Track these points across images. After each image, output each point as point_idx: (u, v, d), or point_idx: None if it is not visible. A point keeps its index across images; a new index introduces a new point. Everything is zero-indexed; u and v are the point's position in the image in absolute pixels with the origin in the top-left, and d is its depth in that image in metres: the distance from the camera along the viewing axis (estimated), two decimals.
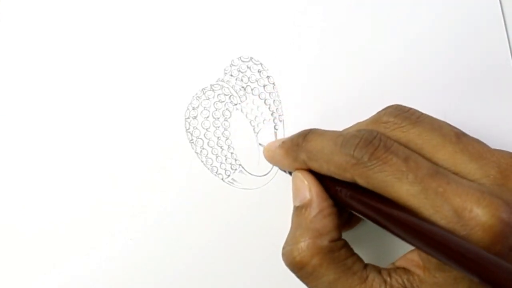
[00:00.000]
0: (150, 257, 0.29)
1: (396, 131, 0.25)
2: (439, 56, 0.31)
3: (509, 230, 0.21)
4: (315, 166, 0.25)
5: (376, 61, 0.31)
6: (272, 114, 0.31)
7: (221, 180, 0.30)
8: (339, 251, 0.25)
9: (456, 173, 0.23)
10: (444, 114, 0.30)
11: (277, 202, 0.30)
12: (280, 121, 0.31)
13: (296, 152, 0.26)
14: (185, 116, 0.30)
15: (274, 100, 0.31)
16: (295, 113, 0.31)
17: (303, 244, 0.25)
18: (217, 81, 0.30)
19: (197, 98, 0.30)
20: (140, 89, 0.30)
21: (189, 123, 0.30)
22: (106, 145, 0.29)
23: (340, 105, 0.31)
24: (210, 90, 0.30)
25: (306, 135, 0.26)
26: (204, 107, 0.30)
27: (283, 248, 0.26)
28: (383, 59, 0.31)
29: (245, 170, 0.30)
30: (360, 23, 0.31)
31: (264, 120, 0.31)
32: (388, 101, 0.27)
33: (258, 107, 0.31)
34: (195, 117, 0.30)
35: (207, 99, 0.30)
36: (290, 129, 0.30)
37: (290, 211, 0.30)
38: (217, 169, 0.30)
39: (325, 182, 0.26)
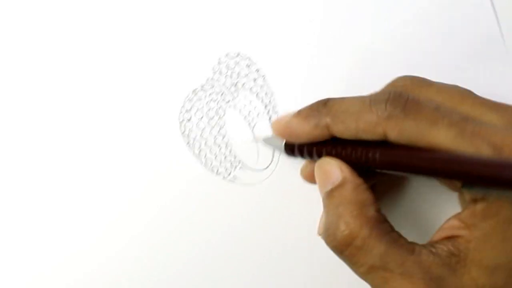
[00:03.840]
0: (151, 257, 0.29)
1: (415, 91, 0.25)
2: (431, 50, 0.31)
3: None
4: (340, 128, 0.25)
5: (365, 48, 0.31)
6: (265, 107, 0.31)
7: (223, 179, 0.30)
8: (385, 223, 0.24)
9: None
10: None
11: (281, 194, 0.30)
12: (275, 113, 0.31)
13: (318, 118, 0.26)
14: (179, 119, 0.30)
15: (266, 93, 0.30)
16: (288, 103, 0.30)
17: (349, 216, 0.24)
18: (207, 80, 0.30)
19: (189, 100, 0.30)
20: (130, 97, 0.29)
21: (184, 126, 0.30)
22: (107, 148, 0.29)
23: (332, 90, 0.30)
24: (201, 90, 0.30)
25: (326, 102, 0.26)
26: (198, 108, 0.30)
27: (324, 230, 0.25)
28: (373, 46, 0.31)
29: (246, 166, 0.30)
30: (347, 12, 0.31)
31: (258, 114, 0.30)
32: (381, 85, 0.27)
33: (250, 101, 0.30)
34: (189, 119, 0.30)
35: (199, 99, 0.30)
36: None
37: (295, 203, 0.30)
38: (218, 169, 0.30)
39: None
